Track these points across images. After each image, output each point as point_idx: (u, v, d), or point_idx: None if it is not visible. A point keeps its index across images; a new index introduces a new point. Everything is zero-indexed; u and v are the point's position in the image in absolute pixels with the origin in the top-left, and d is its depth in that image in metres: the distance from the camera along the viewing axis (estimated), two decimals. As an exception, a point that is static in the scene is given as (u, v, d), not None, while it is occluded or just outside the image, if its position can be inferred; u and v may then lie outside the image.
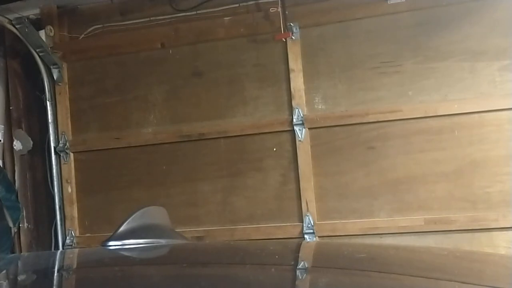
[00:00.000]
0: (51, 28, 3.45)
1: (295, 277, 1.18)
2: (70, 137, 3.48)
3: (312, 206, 3.06)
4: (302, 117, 3.08)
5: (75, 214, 3.47)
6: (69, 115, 3.50)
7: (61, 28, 3.51)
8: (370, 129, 3.00)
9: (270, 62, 3.17)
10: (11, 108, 3.63)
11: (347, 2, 3.06)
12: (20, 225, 3.58)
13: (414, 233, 2.91)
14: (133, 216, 1.69)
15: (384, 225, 2.95)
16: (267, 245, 1.95)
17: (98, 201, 3.43)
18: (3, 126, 3.62)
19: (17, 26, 3.30)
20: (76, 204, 3.47)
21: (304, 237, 3.05)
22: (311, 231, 3.05)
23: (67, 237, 3.45)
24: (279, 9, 3.05)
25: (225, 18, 3.23)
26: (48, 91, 3.49)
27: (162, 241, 1.70)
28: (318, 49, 3.10)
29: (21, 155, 3.63)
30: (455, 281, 1.12)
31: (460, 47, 2.91)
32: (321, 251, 1.59)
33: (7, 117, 3.63)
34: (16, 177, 3.61)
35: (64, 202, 3.47)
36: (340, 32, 3.07)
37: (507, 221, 2.72)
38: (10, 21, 3.33)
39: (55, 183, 3.47)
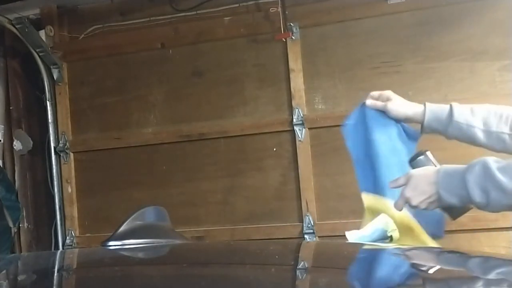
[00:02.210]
0: (51, 28, 3.44)
1: (295, 277, 1.18)
2: (70, 137, 3.48)
3: (312, 206, 3.06)
4: (302, 117, 3.08)
5: (75, 214, 3.47)
6: (69, 115, 3.50)
7: (61, 28, 3.51)
8: (370, 129, 3.00)
9: (270, 62, 3.17)
10: (11, 108, 3.63)
11: (347, 2, 3.06)
12: (20, 225, 3.58)
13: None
14: (133, 216, 1.69)
15: (384, 225, 2.95)
16: (267, 245, 1.95)
17: (98, 201, 3.43)
18: (3, 126, 3.61)
19: (17, 26, 3.30)
20: (76, 204, 3.47)
21: (304, 237, 3.05)
22: (311, 231, 3.05)
23: (67, 237, 3.45)
24: (279, 9, 3.04)
25: (225, 18, 3.23)
26: (48, 91, 3.49)
27: (162, 241, 1.70)
28: (318, 49, 3.10)
29: (21, 155, 3.63)
30: (456, 280, 1.12)
31: (460, 47, 2.91)
32: (321, 251, 1.60)
33: (7, 117, 3.63)
34: (16, 177, 3.61)
35: (64, 202, 3.47)
36: (340, 32, 3.07)
37: (507, 221, 2.71)
38: (10, 21, 3.33)
39: (55, 183, 3.47)
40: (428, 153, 1.60)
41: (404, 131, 1.72)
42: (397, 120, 1.72)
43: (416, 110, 1.69)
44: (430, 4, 2.93)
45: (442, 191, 1.47)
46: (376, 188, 1.72)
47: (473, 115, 1.64)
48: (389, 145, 1.70)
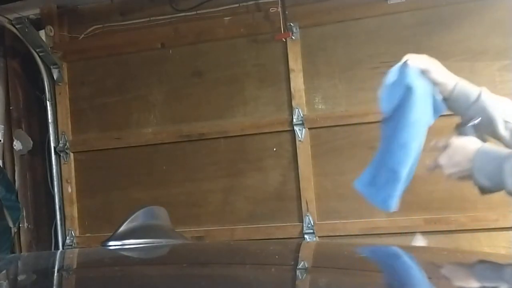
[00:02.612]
0: (51, 28, 3.44)
1: (295, 277, 1.18)
2: (70, 137, 3.48)
3: (312, 206, 3.06)
4: (302, 117, 3.08)
5: (75, 214, 3.47)
6: (69, 115, 3.50)
7: (61, 28, 3.51)
8: (370, 129, 3.00)
9: (270, 62, 3.17)
10: (11, 108, 3.63)
11: (347, 2, 3.06)
12: (20, 225, 3.58)
13: (414, 233, 2.90)
14: (133, 216, 1.69)
15: (384, 225, 2.95)
16: (267, 245, 1.95)
17: (98, 201, 3.43)
18: (3, 126, 3.62)
19: (17, 26, 3.30)
20: (76, 204, 3.47)
21: (304, 237, 3.05)
22: (311, 231, 3.05)
23: (67, 237, 3.45)
24: (279, 9, 3.04)
25: (225, 18, 3.23)
26: (48, 91, 3.49)
27: (162, 241, 1.70)
28: (318, 49, 3.10)
29: (21, 155, 3.63)
30: (457, 279, 1.12)
31: (460, 47, 2.91)
32: (321, 251, 1.60)
33: (7, 117, 3.63)
34: (16, 177, 3.61)
35: (64, 202, 3.47)
36: (340, 32, 3.07)
37: (507, 221, 2.72)
38: (10, 21, 3.33)
39: (55, 183, 3.47)
40: (479, 121, 1.53)
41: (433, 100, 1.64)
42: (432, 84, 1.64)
43: (448, 80, 1.64)
44: (430, 4, 2.93)
45: (476, 171, 1.45)
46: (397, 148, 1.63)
47: (498, 101, 1.62)
48: (424, 107, 1.61)
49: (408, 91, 1.60)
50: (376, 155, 1.69)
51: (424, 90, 1.62)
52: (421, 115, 1.60)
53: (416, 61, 1.63)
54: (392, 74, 1.66)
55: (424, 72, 1.62)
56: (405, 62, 1.63)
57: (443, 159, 1.49)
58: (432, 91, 1.63)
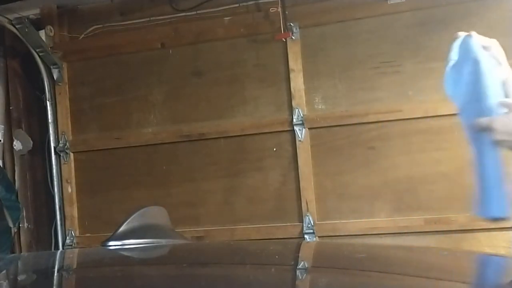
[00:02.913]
0: (51, 28, 3.44)
1: (295, 277, 1.18)
2: (70, 137, 3.48)
3: (312, 206, 3.06)
4: (302, 117, 3.08)
5: (75, 214, 3.47)
6: (69, 115, 3.50)
7: (61, 28, 3.51)
8: (370, 129, 3.00)
9: (270, 62, 3.17)
10: (11, 108, 3.63)
11: (347, 2, 3.06)
12: (20, 225, 3.58)
13: (414, 233, 2.91)
14: (133, 216, 1.69)
15: (384, 225, 2.95)
16: (267, 245, 1.95)
17: (98, 201, 3.43)
18: (3, 126, 3.61)
19: (17, 26, 3.30)
20: (76, 204, 3.47)
21: (304, 237, 3.05)
22: (311, 231, 3.05)
23: (67, 237, 3.45)
24: (279, 9, 3.05)
25: (225, 18, 3.23)
26: (48, 91, 3.49)
27: (162, 241, 1.70)
28: (318, 49, 3.10)
29: (21, 155, 3.63)
30: (455, 281, 1.12)
31: (460, 47, 2.90)
32: (321, 251, 1.60)
33: (7, 117, 3.63)
34: (16, 177, 3.61)
35: (64, 202, 3.47)
36: (340, 32, 3.07)
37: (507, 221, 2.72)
38: (10, 21, 3.33)
39: (55, 183, 3.47)
40: None
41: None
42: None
43: (504, 64, 1.52)
44: (430, 4, 2.93)
45: None
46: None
47: None
48: (495, 86, 1.44)
49: (475, 65, 1.45)
50: (476, 169, 1.49)
51: (490, 66, 1.46)
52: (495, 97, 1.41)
53: (479, 36, 1.49)
54: (454, 52, 1.51)
55: (486, 48, 1.49)
56: (468, 35, 1.50)
57: (498, 123, 1.34)
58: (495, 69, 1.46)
